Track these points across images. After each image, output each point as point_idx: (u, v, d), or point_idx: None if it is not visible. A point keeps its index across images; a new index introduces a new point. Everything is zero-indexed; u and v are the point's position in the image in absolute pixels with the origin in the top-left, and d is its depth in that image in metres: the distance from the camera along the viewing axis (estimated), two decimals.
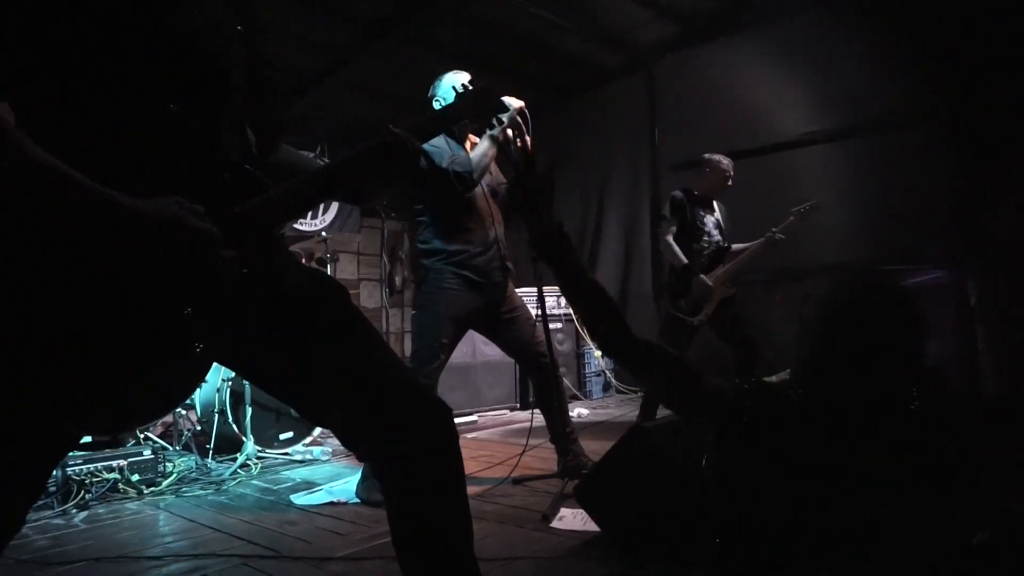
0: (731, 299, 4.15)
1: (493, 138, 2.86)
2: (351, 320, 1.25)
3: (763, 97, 5.51)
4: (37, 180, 0.90)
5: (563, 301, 6.33)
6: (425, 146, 2.81)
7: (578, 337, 6.34)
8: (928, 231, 4.39)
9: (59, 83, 1.03)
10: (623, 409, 5.58)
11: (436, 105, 2.96)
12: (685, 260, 4.12)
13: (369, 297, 8.47)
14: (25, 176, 0.90)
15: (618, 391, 6.55)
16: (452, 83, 2.97)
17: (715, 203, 4.40)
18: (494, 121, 2.69)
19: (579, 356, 6.38)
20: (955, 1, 4.28)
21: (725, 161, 4.31)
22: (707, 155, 4.39)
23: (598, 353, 6.35)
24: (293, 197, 1.18)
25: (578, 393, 6.17)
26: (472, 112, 1.50)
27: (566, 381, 6.06)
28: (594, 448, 3.35)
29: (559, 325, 6.25)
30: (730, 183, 4.34)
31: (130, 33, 1.07)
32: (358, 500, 2.88)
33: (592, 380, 6.39)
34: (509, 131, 2.76)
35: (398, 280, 9.05)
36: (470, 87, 1.53)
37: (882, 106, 4.91)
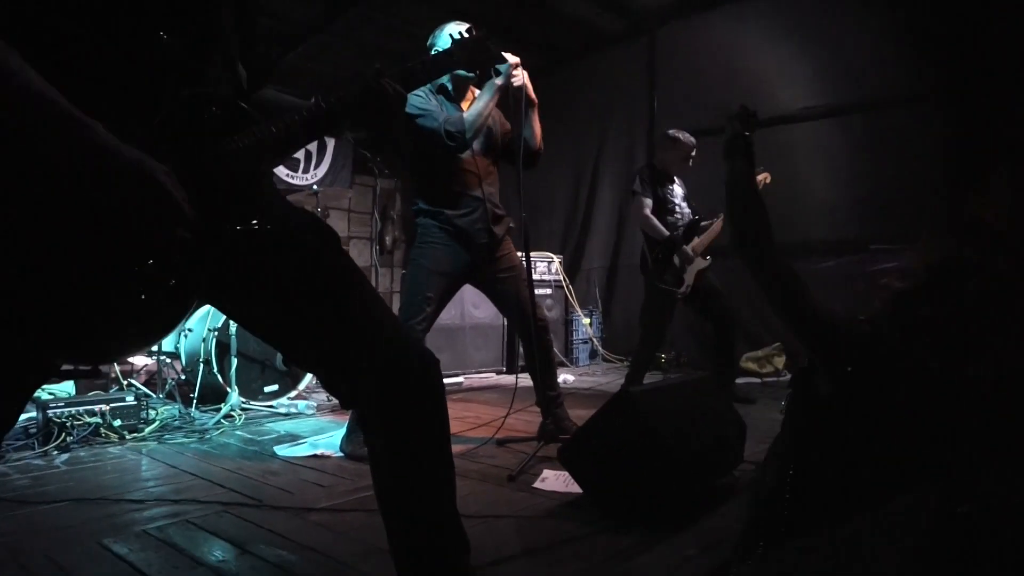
0: (707, 270, 4.16)
1: (490, 93, 2.80)
2: (341, 264, 1.22)
3: (763, 69, 5.46)
4: (15, 96, 0.87)
5: (554, 266, 6.33)
6: (415, 107, 2.76)
7: (567, 304, 6.35)
8: (920, 210, 4.39)
9: (45, 14, 0.99)
10: (609, 377, 5.61)
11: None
12: (667, 232, 4.13)
13: (359, 256, 8.41)
14: (19, 102, 0.87)
15: (604, 359, 6.58)
16: (451, 33, 2.89)
17: (676, 179, 4.39)
18: (491, 73, 2.63)
19: (567, 323, 6.39)
20: None
21: (690, 138, 4.31)
22: (671, 131, 4.39)
23: (586, 320, 6.37)
24: (280, 135, 1.15)
25: (565, 360, 6.19)
26: (465, 61, 1.47)
27: (554, 347, 6.10)
28: (579, 415, 3.36)
29: (548, 291, 6.24)
30: (691, 162, 4.34)
31: None
32: (342, 454, 2.88)
33: (579, 347, 6.42)
34: (513, 79, 2.72)
35: (388, 240, 9.00)
36: (465, 35, 1.49)
37: (880, 83, 4.88)
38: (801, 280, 1.43)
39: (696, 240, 4.12)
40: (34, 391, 1.10)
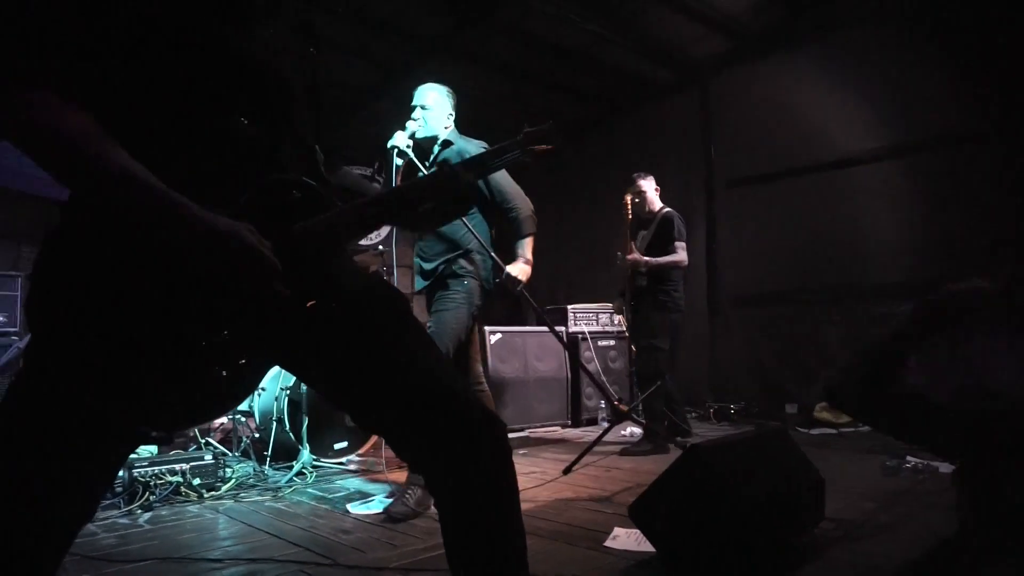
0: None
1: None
2: (407, 328, 1.26)
3: (821, 113, 5.40)
4: (119, 185, 0.96)
5: (616, 318, 6.29)
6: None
7: (630, 355, 6.27)
8: (987, 249, 4.24)
9: (138, 96, 1.09)
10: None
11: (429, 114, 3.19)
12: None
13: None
14: (107, 181, 0.96)
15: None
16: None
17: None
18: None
19: (631, 374, 6.30)
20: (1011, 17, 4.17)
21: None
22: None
23: None
24: (355, 218, 1.22)
25: (633, 414, 6.09)
26: (525, 151, 1.48)
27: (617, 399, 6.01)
28: (648, 468, 3.30)
29: (611, 342, 6.20)
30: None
31: (204, 51, 1.13)
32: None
33: None
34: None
35: None
36: (536, 128, 1.49)
37: (943, 121, 4.76)
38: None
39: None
40: (128, 455, 1.17)
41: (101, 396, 1.00)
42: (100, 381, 1.00)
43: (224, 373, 1.08)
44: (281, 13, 1.34)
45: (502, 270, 3.10)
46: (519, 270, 3.11)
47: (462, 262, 3.13)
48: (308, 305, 1.15)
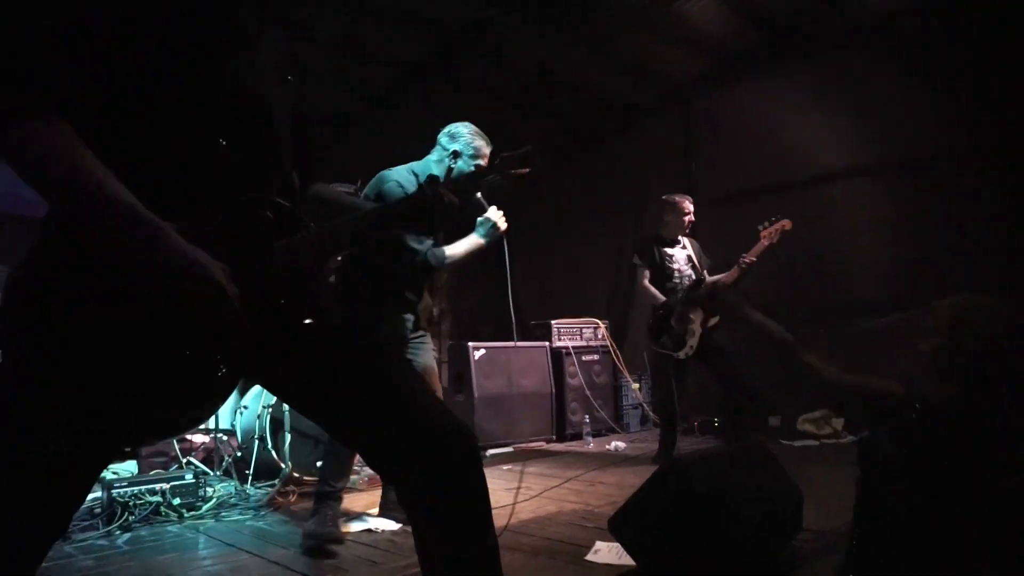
0: (714, 329, 4.33)
1: (471, 246, 2.88)
2: (380, 349, 1.28)
3: (801, 130, 5.48)
4: (105, 208, 0.99)
5: (600, 332, 6.33)
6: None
7: (615, 369, 6.30)
8: (968, 265, 4.32)
9: (118, 115, 1.11)
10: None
11: (445, 151, 2.92)
12: (662, 297, 4.41)
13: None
14: (93, 203, 0.98)
15: (655, 424, 6.45)
16: (467, 143, 2.92)
17: (684, 240, 4.66)
18: (484, 222, 2.83)
19: (616, 388, 6.33)
20: (987, 37, 4.29)
21: (683, 200, 4.61)
22: (664, 197, 4.71)
23: (635, 385, 6.30)
24: (331, 238, 1.24)
25: (615, 426, 6.11)
26: (505, 175, 1.48)
27: (603, 414, 6.03)
28: (631, 482, 3.31)
29: (596, 356, 6.22)
30: (690, 219, 4.60)
31: (186, 74, 1.15)
32: (395, 527, 2.90)
33: (629, 413, 6.33)
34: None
35: (436, 311, 9.13)
36: (509, 154, 1.51)
37: (922, 138, 4.85)
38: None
39: (698, 299, 4.33)
40: (100, 472, 1.17)
41: (73, 412, 1.02)
42: (71, 397, 1.01)
43: (196, 386, 1.10)
44: (263, 38, 1.36)
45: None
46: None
47: None
48: (304, 323, 1.17)
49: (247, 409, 4.19)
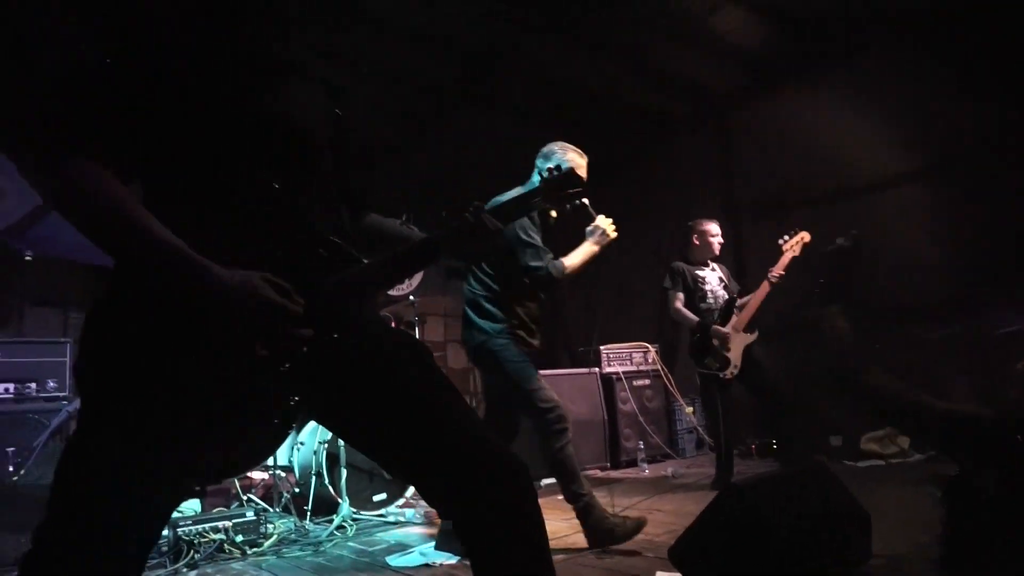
0: (752, 345, 4.32)
1: (587, 254, 2.98)
2: (432, 378, 1.29)
3: (845, 137, 5.37)
4: (148, 249, 1.04)
5: (650, 356, 6.25)
6: (525, 236, 2.95)
7: (667, 393, 6.20)
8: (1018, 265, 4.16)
9: (168, 157, 1.17)
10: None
11: (537, 173, 3.06)
12: (696, 319, 4.43)
13: (456, 358, 8.58)
14: (148, 251, 1.03)
15: (711, 448, 6.31)
16: (541, 170, 3.02)
17: (712, 263, 4.70)
18: (593, 231, 2.96)
19: (669, 413, 6.22)
20: None
21: (710, 224, 4.65)
22: (691, 221, 4.75)
23: (688, 409, 6.18)
24: (379, 273, 1.27)
25: (670, 451, 5.99)
26: (553, 200, 1.52)
27: (657, 439, 5.92)
28: (690, 509, 3.25)
29: (647, 381, 6.14)
30: (719, 242, 4.64)
31: (231, 112, 1.20)
32: (453, 560, 2.90)
33: (684, 437, 6.20)
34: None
35: None
36: (554, 173, 1.53)
37: (964, 140, 4.70)
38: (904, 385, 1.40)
39: (735, 318, 4.32)
40: (173, 511, 1.21)
41: (148, 452, 1.06)
42: (147, 438, 1.05)
43: (262, 423, 1.13)
44: (305, 71, 1.41)
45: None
46: None
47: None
48: (334, 337, 1.19)
49: (303, 445, 4.26)
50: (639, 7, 4.84)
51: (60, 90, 1.10)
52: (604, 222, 2.94)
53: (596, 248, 2.97)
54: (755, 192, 6.20)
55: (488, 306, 3.08)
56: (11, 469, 3.62)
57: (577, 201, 2.67)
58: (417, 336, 4.84)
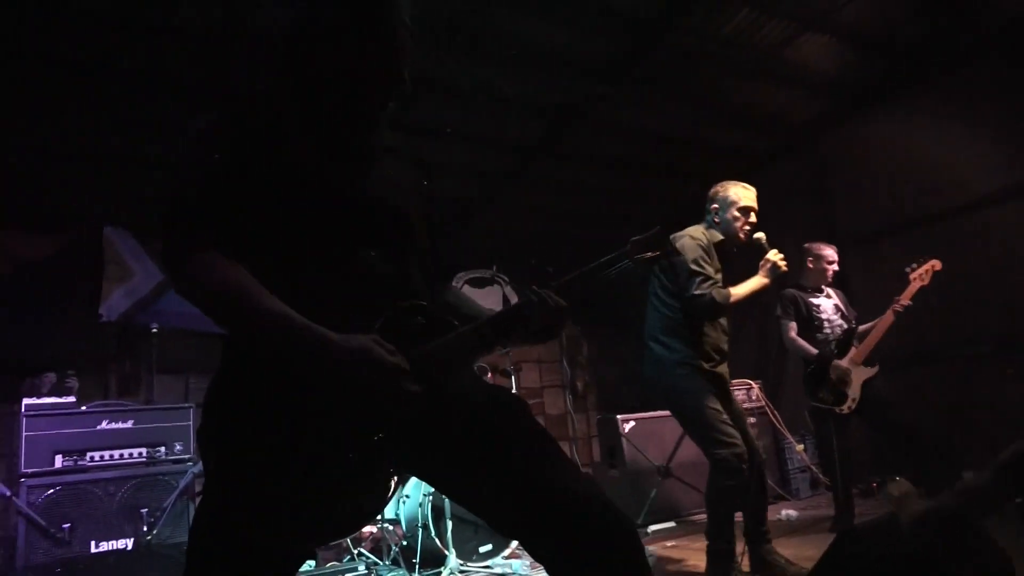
0: (874, 379, 4.02)
1: (756, 286, 3.14)
2: (528, 432, 1.30)
3: (943, 155, 5.10)
4: (271, 325, 1.12)
5: (754, 393, 6.02)
6: (697, 261, 3.11)
7: (775, 431, 5.93)
8: None
9: (279, 243, 1.26)
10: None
11: (710, 215, 3.34)
12: (814, 350, 4.15)
13: (553, 404, 8.56)
14: (261, 325, 1.12)
15: (827, 488, 5.95)
16: (721, 198, 3.34)
17: (828, 289, 4.41)
18: (765, 264, 3.11)
19: (779, 451, 5.93)
20: None
21: (826, 248, 4.40)
22: (807, 244, 4.49)
23: (799, 447, 5.88)
24: (466, 346, 1.31)
25: (783, 492, 5.70)
26: (635, 260, 1.50)
27: (768, 480, 5.64)
28: (808, 554, 3.08)
29: (752, 419, 5.89)
30: (834, 268, 4.38)
31: (330, 194, 1.29)
32: None
33: (797, 477, 5.89)
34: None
35: (580, 385, 9.10)
36: (638, 238, 1.51)
37: None
38: None
39: (853, 349, 4.03)
40: (298, 570, 1.27)
41: (273, 516, 1.12)
42: (271, 502, 1.12)
43: (373, 482, 1.18)
44: (394, 147, 1.50)
45: None
46: None
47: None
48: (435, 398, 1.22)
49: (408, 498, 4.34)
50: (711, 48, 4.81)
51: (177, 190, 1.22)
52: (775, 256, 3.07)
53: (767, 280, 3.11)
54: (853, 218, 5.95)
55: (666, 337, 3.23)
56: (144, 529, 3.87)
57: (753, 236, 3.15)
58: (513, 384, 4.87)
